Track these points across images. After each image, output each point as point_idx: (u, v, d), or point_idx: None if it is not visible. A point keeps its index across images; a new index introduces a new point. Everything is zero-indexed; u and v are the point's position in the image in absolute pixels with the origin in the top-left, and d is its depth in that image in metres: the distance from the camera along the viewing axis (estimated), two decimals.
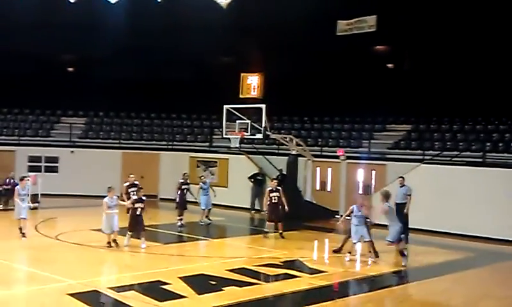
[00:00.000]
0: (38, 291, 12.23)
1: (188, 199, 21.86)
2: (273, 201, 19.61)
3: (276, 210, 19.61)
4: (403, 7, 26.65)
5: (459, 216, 21.30)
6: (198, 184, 22.55)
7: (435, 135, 26.52)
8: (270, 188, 20.07)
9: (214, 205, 22.93)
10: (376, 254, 16.22)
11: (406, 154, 25.38)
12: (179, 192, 21.74)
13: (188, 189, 21.92)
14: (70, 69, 35.04)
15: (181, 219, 21.34)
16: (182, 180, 22.09)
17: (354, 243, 16.26)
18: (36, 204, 25.81)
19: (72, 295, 11.69)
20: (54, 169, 29.84)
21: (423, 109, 27.54)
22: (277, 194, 19.70)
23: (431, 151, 24.90)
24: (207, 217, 22.26)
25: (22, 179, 18.85)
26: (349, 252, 16.33)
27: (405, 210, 19.67)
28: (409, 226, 19.97)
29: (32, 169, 28.55)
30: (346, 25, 27.52)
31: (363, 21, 27.13)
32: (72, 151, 30.23)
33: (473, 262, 17.67)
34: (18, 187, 18.49)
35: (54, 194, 27.01)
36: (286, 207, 19.58)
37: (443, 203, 21.64)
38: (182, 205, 21.62)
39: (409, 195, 19.72)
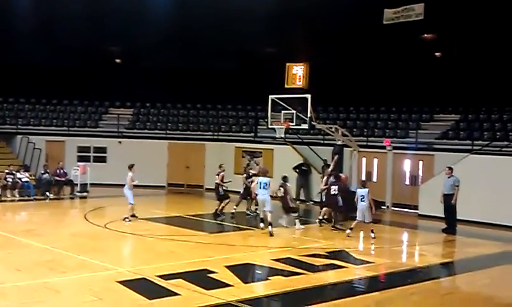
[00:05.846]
0: (87, 278, 12.47)
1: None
2: None
3: None
4: None
5: (509, 207, 20.87)
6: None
7: (484, 125, 26.01)
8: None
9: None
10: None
11: (454, 144, 25.00)
12: None
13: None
14: (118, 60, 35.55)
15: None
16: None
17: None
18: (85, 194, 26.42)
19: (121, 282, 11.90)
20: (102, 159, 30.41)
21: (472, 98, 27.03)
22: None
23: (480, 142, 24.47)
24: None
25: None
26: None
27: (452, 201, 19.46)
28: (458, 218, 19.74)
29: (81, 159, 29.20)
30: (393, 14, 27.16)
31: (411, 9, 26.74)
32: (120, 142, 30.74)
33: None
34: None
35: (102, 183, 27.60)
36: None
37: (492, 194, 21.23)
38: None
39: (457, 186, 19.48)
